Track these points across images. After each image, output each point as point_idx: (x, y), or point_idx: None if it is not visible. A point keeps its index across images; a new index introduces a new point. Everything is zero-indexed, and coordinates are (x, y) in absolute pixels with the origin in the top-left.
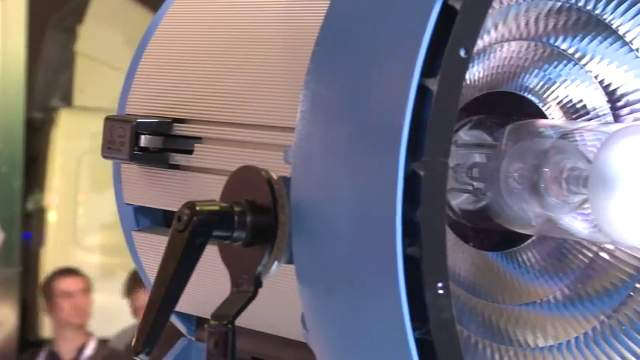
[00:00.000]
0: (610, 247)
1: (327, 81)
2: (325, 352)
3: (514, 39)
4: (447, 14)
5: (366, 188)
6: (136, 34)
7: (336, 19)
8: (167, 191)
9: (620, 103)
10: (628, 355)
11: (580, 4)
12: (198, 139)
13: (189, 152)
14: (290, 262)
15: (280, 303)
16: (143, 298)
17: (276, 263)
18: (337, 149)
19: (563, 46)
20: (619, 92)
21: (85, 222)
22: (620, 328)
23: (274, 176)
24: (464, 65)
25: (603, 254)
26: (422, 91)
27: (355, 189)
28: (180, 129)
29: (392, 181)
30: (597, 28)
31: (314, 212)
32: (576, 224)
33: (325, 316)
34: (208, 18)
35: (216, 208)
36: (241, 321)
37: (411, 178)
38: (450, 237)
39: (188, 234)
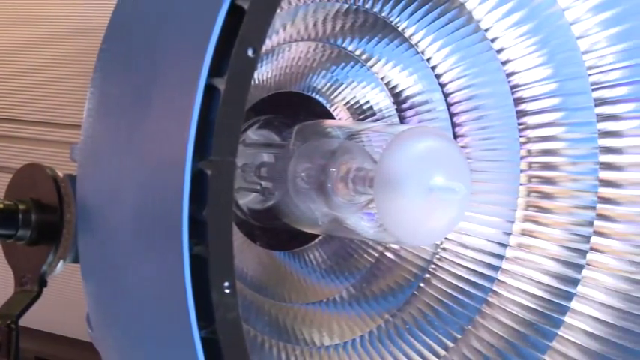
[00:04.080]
0: (395, 246)
1: (113, 79)
2: (110, 351)
3: (302, 40)
4: (235, 14)
5: (151, 187)
6: None
7: (123, 17)
8: None
9: (405, 105)
10: (411, 353)
11: (367, 6)
12: None
13: None
14: (76, 261)
15: (66, 302)
16: None
17: (61, 262)
18: (123, 148)
19: (350, 48)
20: (405, 94)
21: None
22: (405, 326)
23: (60, 174)
24: (252, 65)
25: (389, 254)
26: (209, 90)
27: (141, 188)
28: None
29: (178, 180)
30: (384, 30)
31: (99, 211)
32: (362, 224)
33: (110, 315)
34: None
35: (0, 206)
36: (25, 320)
37: (197, 178)
38: (238, 236)
39: None
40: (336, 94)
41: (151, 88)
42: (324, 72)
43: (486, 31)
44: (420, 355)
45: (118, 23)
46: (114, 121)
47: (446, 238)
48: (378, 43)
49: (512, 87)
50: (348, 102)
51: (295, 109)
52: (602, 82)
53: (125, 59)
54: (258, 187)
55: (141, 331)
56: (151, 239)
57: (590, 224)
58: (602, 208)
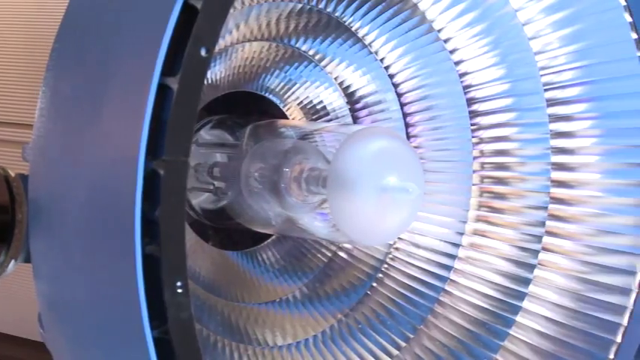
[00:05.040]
0: (348, 246)
1: (65, 78)
2: (62, 352)
3: (256, 39)
4: (188, 13)
5: (104, 186)
6: None
7: (75, 16)
8: None
9: (358, 105)
10: (364, 352)
11: (320, 6)
12: None
13: None
14: (27, 260)
15: (17, 302)
16: None
17: (12, 262)
18: (75, 147)
19: (304, 48)
20: (358, 94)
21: None
22: (357, 326)
23: (12, 173)
24: (205, 64)
25: (342, 254)
26: (162, 89)
27: (93, 187)
28: None
29: (131, 180)
30: (337, 30)
31: (51, 211)
32: (316, 224)
33: (62, 315)
34: None
35: None
36: None
37: (150, 177)
38: (191, 236)
39: None
40: (289, 93)
41: (103, 88)
42: (277, 72)
43: (439, 31)
44: (373, 354)
45: (71, 22)
46: (66, 121)
47: (399, 238)
48: (332, 43)
49: (465, 87)
50: (302, 102)
51: (248, 108)
52: (554, 83)
53: (77, 58)
54: (211, 187)
55: (93, 331)
56: (103, 239)
57: (542, 224)
58: (554, 208)
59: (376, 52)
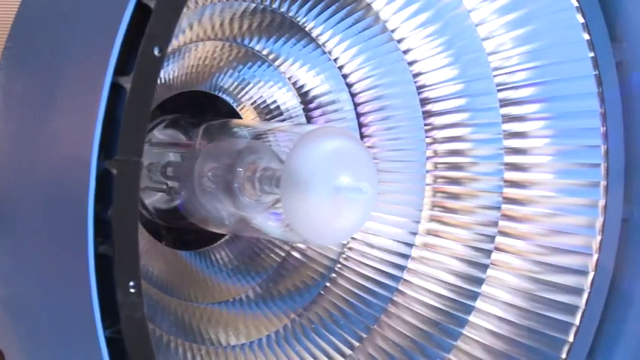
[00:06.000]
0: (302, 246)
1: (18, 78)
2: (16, 351)
3: (209, 39)
4: (142, 12)
5: (57, 186)
6: None
7: (27, 15)
8: None
9: (312, 105)
10: (317, 352)
11: (274, 5)
12: None
13: None
14: None
15: None
16: None
17: None
18: (28, 147)
19: (258, 47)
20: (312, 94)
21: None
22: (311, 326)
23: None
24: (158, 64)
25: (295, 253)
26: (115, 89)
27: (47, 187)
28: None
29: (84, 180)
30: (291, 30)
31: (6, 210)
32: (269, 224)
33: (15, 315)
34: None
35: None
36: None
37: (103, 177)
38: (144, 236)
39: None
40: (243, 93)
41: (56, 88)
42: (230, 71)
43: (393, 31)
44: (326, 354)
45: (23, 21)
46: (18, 120)
47: (352, 238)
48: (285, 42)
49: (419, 88)
50: (255, 101)
51: (202, 108)
52: (507, 83)
53: (30, 58)
54: (165, 187)
55: (46, 330)
56: (57, 238)
57: (495, 224)
58: (507, 208)
59: (330, 52)
